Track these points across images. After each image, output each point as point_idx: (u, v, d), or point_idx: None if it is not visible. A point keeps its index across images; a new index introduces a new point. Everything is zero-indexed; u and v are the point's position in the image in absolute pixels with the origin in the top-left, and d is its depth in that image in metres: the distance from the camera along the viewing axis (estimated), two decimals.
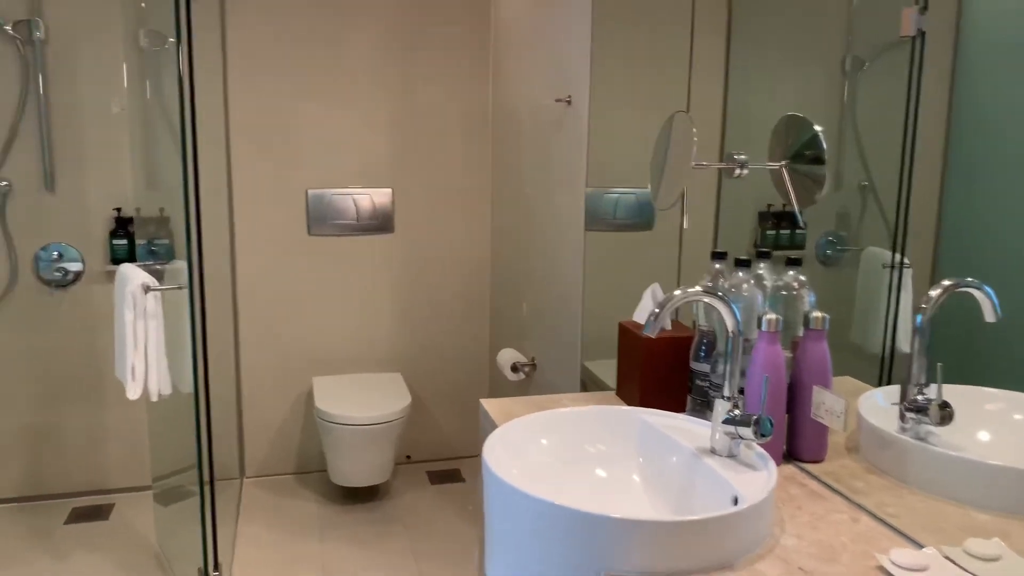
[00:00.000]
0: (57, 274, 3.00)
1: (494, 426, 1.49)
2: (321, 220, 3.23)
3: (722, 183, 1.62)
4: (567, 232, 2.47)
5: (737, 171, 1.46)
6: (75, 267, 3.02)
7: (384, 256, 3.34)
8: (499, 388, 3.36)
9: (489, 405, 1.61)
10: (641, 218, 2.02)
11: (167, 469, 2.71)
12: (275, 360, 3.30)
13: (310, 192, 3.20)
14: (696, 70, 1.74)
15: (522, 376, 2.84)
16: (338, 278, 3.31)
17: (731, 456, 1.24)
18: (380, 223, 3.30)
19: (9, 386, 3.03)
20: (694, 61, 1.75)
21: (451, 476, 3.39)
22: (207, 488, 2.28)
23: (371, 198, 3.26)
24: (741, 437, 1.21)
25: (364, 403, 2.97)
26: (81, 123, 2.95)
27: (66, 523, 2.93)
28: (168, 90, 2.27)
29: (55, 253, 2.99)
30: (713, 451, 1.25)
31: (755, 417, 1.18)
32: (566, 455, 1.34)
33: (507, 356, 2.93)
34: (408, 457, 3.52)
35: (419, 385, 3.48)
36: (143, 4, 2.66)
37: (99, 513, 3.01)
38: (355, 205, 3.25)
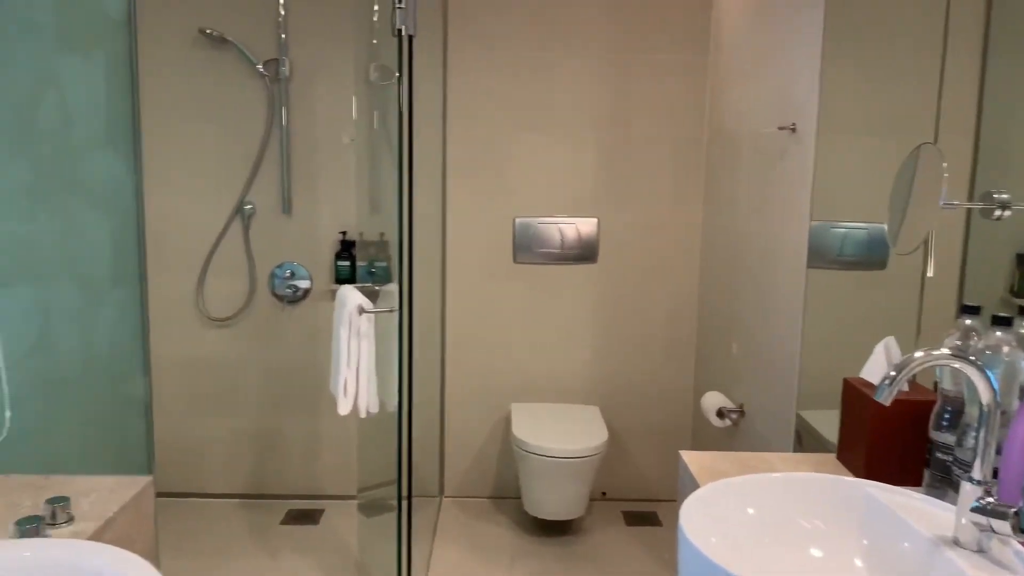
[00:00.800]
0: (288, 291, 3.25)
1: (694, 483, 1.38)
2: (526, 248, 3.25)
3: (972, 221, 1.40)
4: (785, 268, 2.28)
5: (997, 212, 1.25)
6: (304, 285, 3.25)
7: (587, 286, 3.29)
8: (702, 433, 3.18)
9: (689, 458, 1.49)
10: (872, 255, 1.81)
11: (371, 482, 2.82)
12: (477, 383, 3.36)
13: (517, 220, 3.24)
14: (943, 93, 1.53)
15: (728, 423, 2.66)
16: (540, 306, 3.31)
17: (980, 551, 1.04)
18: (584, 253, 3.26)
19: (243, 392, 3.32)
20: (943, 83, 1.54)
21: (647, 519, 3.25)
22: (404, 504, 2.33)
23: (576, 227, 3.24)
24: (994, 531, 1.01)
25: (561, 435, 2.93)
26: (315, 152, 3.19)
27: (281, 523, 3.14)
28: (392, 122, 2.38)
29: (288, 271, 3.24)
30: (956, 542, 1.06)
31: (1015, 509, 0.98)
32: (775, 527, 1.20)
33: (713, 400, 2.76)
34: (603, 494, 3.42)
35: (617, 421, 3.39)
36: (375, 41, 2.83)
37: (311, 517, 3.20)
38: (560, 234, 3.24)
